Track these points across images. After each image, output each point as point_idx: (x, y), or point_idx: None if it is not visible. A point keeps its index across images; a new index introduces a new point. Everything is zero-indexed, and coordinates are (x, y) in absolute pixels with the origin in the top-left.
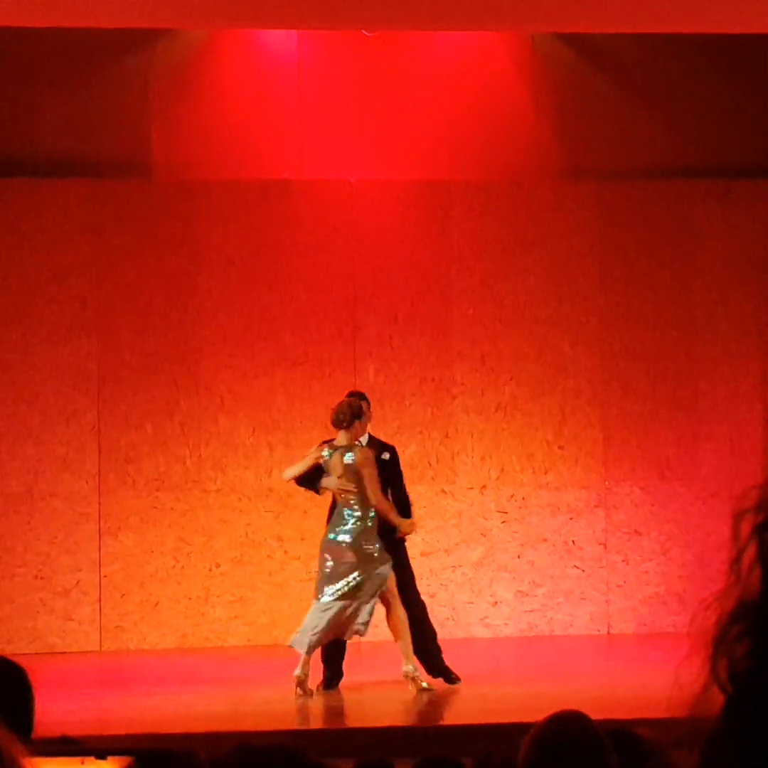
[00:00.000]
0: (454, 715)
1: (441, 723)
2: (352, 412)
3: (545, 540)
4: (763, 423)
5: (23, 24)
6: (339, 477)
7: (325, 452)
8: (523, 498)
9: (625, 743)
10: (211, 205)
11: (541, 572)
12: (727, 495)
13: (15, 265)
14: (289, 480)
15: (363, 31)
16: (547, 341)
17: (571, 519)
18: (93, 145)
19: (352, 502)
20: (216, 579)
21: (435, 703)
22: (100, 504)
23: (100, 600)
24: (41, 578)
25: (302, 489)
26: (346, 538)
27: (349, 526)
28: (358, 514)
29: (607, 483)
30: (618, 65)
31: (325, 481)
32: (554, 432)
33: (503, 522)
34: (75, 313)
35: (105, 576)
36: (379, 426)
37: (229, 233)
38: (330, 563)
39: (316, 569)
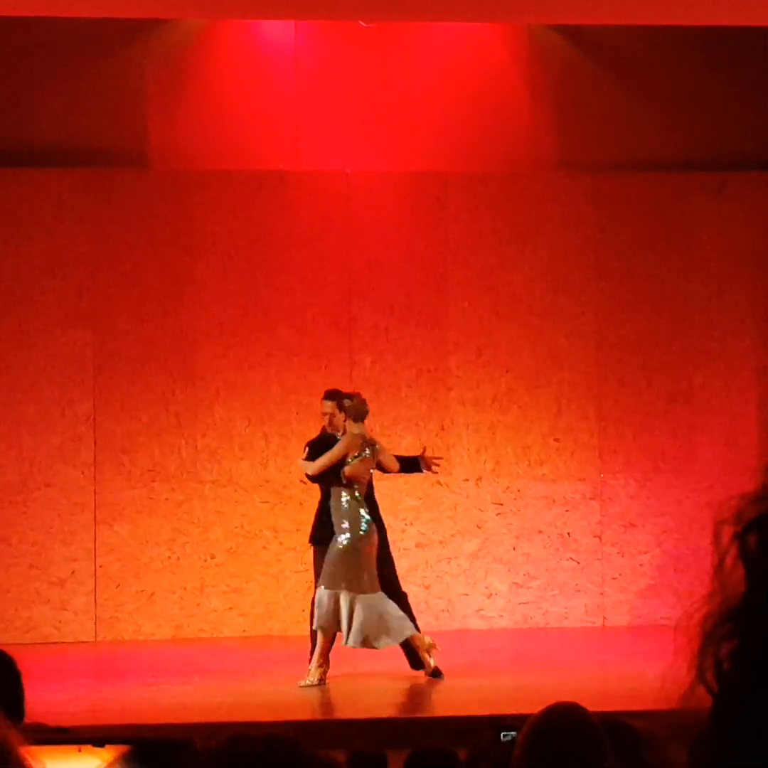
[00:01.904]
0: (448, 707)
1: (435, 714)
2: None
3: (540, 532)
4: (758, 416)
5: (19, 13)
6: (370, 470)
7: (365, 443)
8: (518, 490)
9: (621, 735)
10: (207, 196)
11: (536, 564)
12: (722, 488)
13: (10, 254)
14: (316, 473)
15: (360, 22)
16: (543, 333)
17: (566, 511)
18: (89, 135)
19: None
20: (211, 570)
21: (429, 695)
22: (95, 494)
23: (95, 590)
24: (36, 568)
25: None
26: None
27: (369, 520)
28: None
29: (602, 475)
30: (614, 57)
31: (355, 470)
32: (550, 424)
33: (498, 514)
34: (71, 302)
35: (100, 566)
36: (375, 418)
37: (225, 224)
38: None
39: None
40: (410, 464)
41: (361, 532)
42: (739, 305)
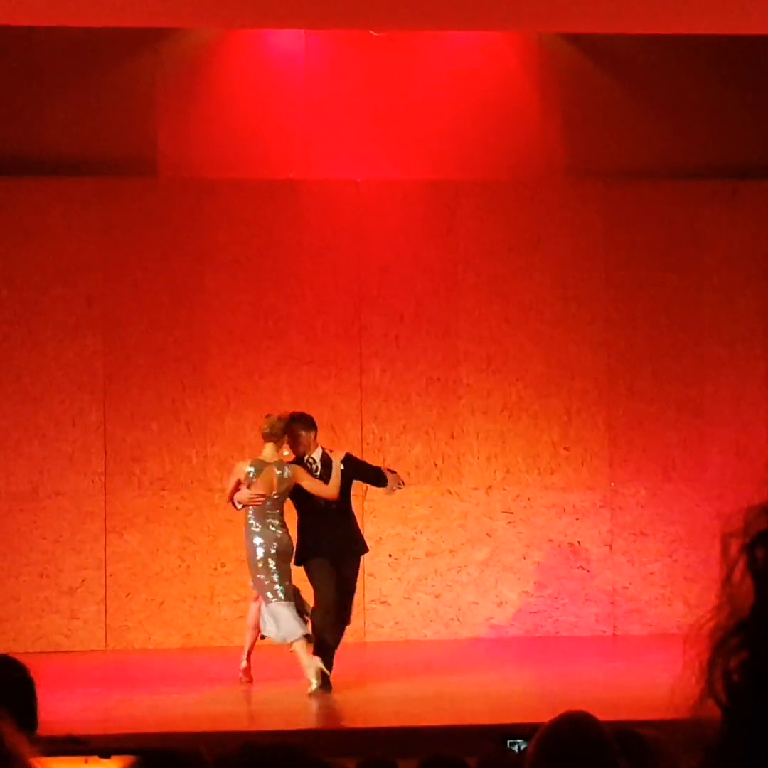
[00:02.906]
0: (458, 715)
1: (445, 723)
2: (283, 427)
3: (551, 541)
4: None
5: (30, 23)
6: (273, 491)
7: (250, 468)
8: (528, 499)
9: (632, 744)
10: (218, 205)
11: (546, 573)
12: (732, 496)
13: (21, 263)
14: (228, 502)
15: (370, 31)
16: (553, 341)
17: (576, 520)
18: (100, 143)
19: (277, 512)
20: (221, 578)
21: (439, 703)
22: (105, 503)
23: (105, 599)
24: (47, 577)
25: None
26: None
27: (281, 534)
28: (281, 523)
29: (612, 484)
30: (625, 65)
31: (241, 496)
32: (560, 433)
33: (509, 523)
34: (81, 311)
35: (110, 575)
36: (384, 426)
37: (236, 232)
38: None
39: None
40: (376, 476)
41: (273, 551)
42: (749, 313)
